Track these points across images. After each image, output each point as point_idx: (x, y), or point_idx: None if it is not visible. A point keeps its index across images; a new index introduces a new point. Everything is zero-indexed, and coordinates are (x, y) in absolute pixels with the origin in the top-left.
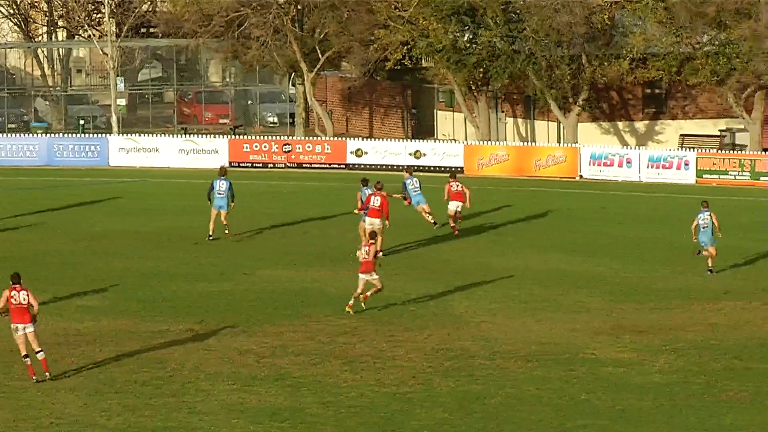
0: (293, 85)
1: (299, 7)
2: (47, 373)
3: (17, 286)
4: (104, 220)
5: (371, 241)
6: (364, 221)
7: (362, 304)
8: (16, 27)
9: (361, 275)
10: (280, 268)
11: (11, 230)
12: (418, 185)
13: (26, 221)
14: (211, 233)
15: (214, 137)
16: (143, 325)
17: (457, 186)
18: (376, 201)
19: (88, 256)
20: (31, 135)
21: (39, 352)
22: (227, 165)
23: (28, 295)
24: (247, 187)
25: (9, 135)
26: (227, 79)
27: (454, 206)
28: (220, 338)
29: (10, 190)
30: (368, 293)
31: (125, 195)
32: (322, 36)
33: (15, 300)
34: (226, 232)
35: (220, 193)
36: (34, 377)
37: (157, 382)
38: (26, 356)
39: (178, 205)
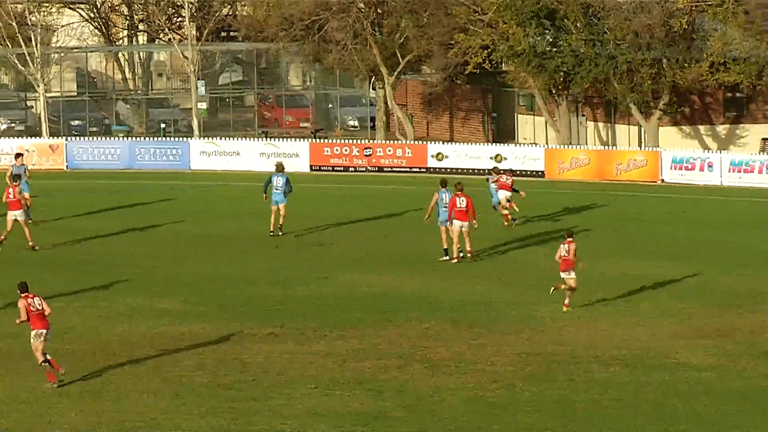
0: (374, 88)
1: (379, 10)
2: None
3: (29, 293)
4: (182, 224)
5: (569, 239)
6: (451, 224)
7: (564, 308)
8: (96, 31)
9: (561, 274)
10: (360, 272)
11: (92, 238)
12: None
13: (103, 225)
14: (272, 230)
15: (295, 141)
16: (223, 329)
17: (507, 178)
18: (461, 202)
19: (165, 260)
20: (112, 138)
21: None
22: (308, 169)
23: (42, 302)
24: (328, 191)
25: (90, 138)
26: (308, 83)
27: (503, 195)
28: (302, 342)
29: (90, 193)
30: (566, 300)
31: (204, 198)
32: (401, 40)
33: (34, 307)
34: (280, 232)
35: (277, 189)
36: (54, 382)
37: (239, 386)
38: (46, 361)
39: (256, 209)
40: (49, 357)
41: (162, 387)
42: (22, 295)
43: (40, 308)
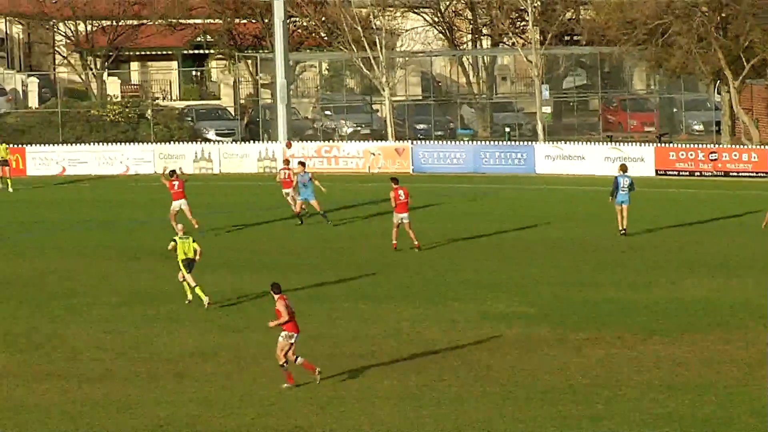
0: (718, 92)
1: (723, 14)
2: (318, 372)
3: (282, 294)
4: (527, 229)
5: None
6: None
7: None
8: (441, 35)
9: None
10: (702, 277)
11: (455, 242)
12: None
13: (444, 229)
14: (621, 228)
15: (640, 145)
16: (570, 333)
17: None
18: None
19: (496, 263)
20: (457, 142)
21: (298, 358)
22: (653, 173)
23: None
24: (673, 196)
25: (435, 142)
26: (651, 87)
27: None
28: (647, 346)
29: (436, 195)
30: None
31: (550, 202)
32: (746, 43)
33: (291, 309)
34: (623, 232)
35: (623, 190)
36: (292, 384)
37: (582, 390)
38: (286, 363)
39: (600, 213)
40: (300, 360)
41: (498, 391)
42: (278, 295)
43: (293, 310)
